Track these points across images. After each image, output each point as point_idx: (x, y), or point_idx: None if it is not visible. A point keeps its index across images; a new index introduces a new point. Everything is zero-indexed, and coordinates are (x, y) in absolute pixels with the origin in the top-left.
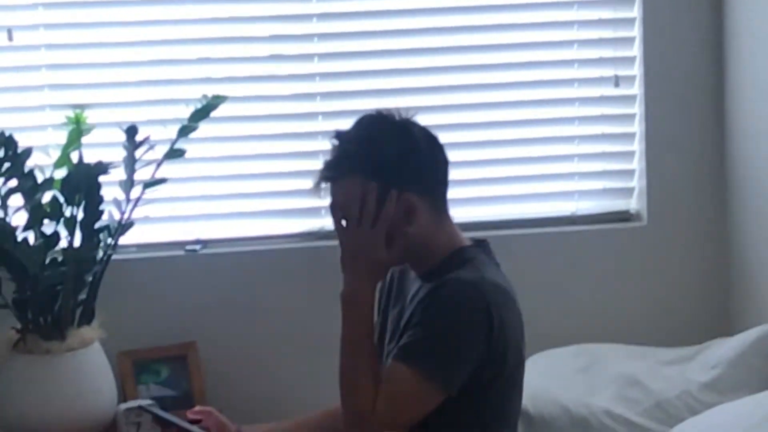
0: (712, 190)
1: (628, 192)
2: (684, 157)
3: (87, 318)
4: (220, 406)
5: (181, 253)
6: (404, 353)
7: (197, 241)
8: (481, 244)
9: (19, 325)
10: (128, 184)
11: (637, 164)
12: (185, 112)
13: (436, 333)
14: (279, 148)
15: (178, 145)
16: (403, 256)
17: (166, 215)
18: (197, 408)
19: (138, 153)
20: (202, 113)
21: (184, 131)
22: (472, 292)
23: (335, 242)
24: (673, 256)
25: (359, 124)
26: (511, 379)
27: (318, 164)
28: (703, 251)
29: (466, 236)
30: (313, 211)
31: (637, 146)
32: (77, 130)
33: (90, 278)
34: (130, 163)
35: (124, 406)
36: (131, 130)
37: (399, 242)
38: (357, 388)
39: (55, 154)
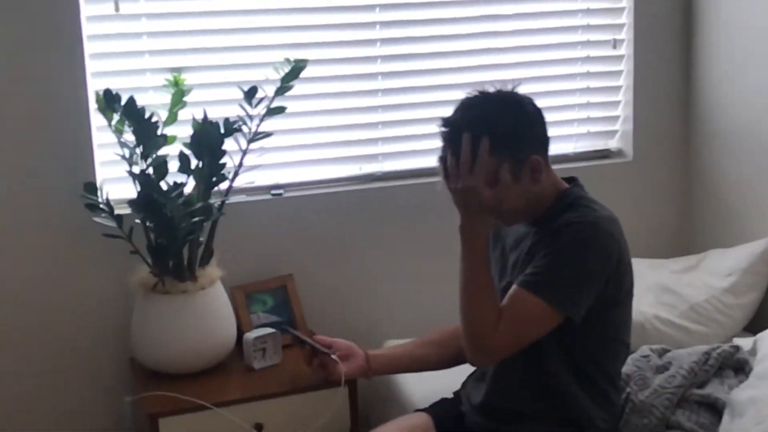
0: (683, 132)
1: (612, 134)
2: (661, 106)
3: (207, 259)
4: (318, 329)
5: (268, 196)
6: (531, 282)
7: (277, 186)
8: (574, 181)
9: (148, 270)
10: (247, 138)
11: (621, 111)
12: (271, 74)
13: (563, 266)
14: (345, 104)
15: (275, 104)
16: (523, 209)
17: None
18: (323, 338)
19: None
20: (292, 74)
21: (280, 91)
22: (595, 229)
23: (391, 183)
24: (653, 187)
25: (469, 106)
26: (626, 300)
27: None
28: (675, 182)
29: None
30: (371, 158)
31: (622, 97)
32: (180, 92)
33: (209, 223)
34: (248, 120)
35: (253, 334)
36: (251, 91)
37: (516, 194)
38: (480, 314)
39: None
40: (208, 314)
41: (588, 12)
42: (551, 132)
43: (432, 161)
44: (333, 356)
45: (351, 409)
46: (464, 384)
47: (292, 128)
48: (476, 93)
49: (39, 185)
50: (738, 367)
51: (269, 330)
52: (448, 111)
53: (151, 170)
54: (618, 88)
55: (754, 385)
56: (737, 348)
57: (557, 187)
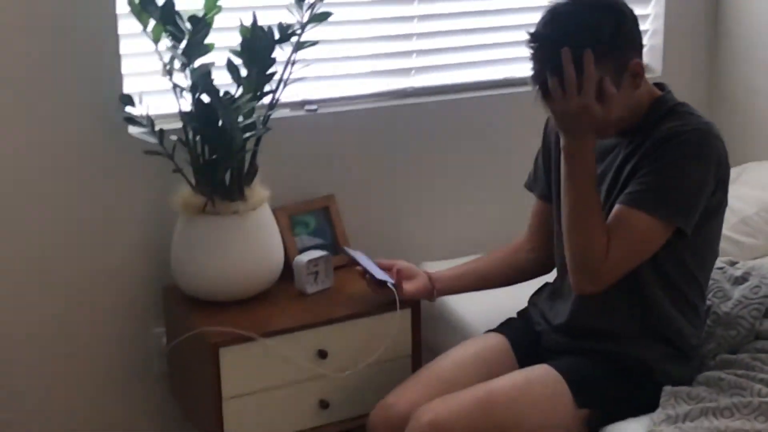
0: (713, 46)
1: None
2: (690, 20)
3: (251, 177)
4: (363, 250)
5: (302, 112)
6: (641, 200)
7: (310, 101)
8: (667, 89)
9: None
10: (296, 47)
11: (651, 25)
12: None
13: (674, 178)
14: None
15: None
16: (626, 119)
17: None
18: (384, 260)
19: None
20: None
21: None
22: (706, 137)
23: (426, 99)
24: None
25: (561, 15)
26: (724, 209)
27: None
28: (704, 97)
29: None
30: (403, 72)
31: (651, 10)
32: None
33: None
34: (301, 28)
35: (305, 257)
36: None
37: (621, 103)
38: (590, 239)
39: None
40: (259, 236)
41: None
42: None
43: (466, 75)
44: (390, 284)
45: (413, 332)
46: (532, 302)
47: (326, 39)
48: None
49: (63, 99)
50: None
51: (321, 252)
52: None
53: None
54: (648, 0)
55: None
56: None
57: (652, 93)
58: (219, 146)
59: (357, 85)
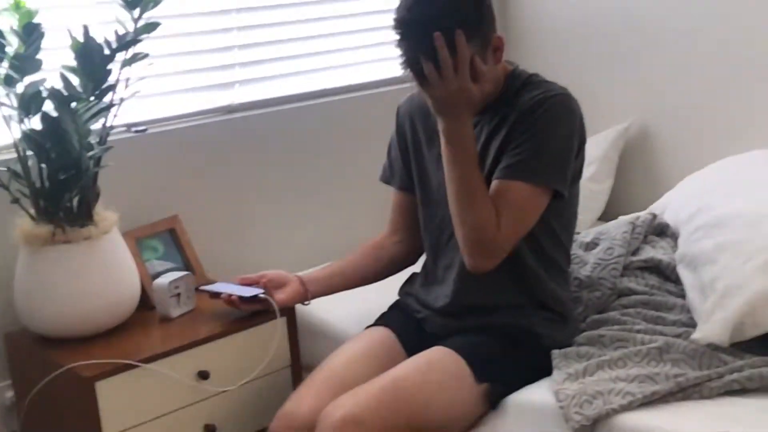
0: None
1: None
2: None
3: (95, 201)
4: (214, 271)
5: (131, 135)
6: (519, 170)
7: (135, 124)
8: (513, 63)
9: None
10: (128, 61)
11: None
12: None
13: (546, 144)
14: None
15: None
16: (490, 91)
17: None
18: (251, 275)
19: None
20: None
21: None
22: (568, 102)
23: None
24: None
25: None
26: (580, 176)
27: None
28: None
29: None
30: (226, 86)
31: None
32: (27, 13)
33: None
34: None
35: (165, 279)
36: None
37: (488, 79)
38: (480, 215)
39: None
40: (115, 261)
41: None
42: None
43: (290, 86)
44: (261, 295)
45: (291, 341)
46: (406, 293)
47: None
48: None
49: None
50: (660, 231)
51: (181, 272)
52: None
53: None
54: None
55: (712, 234)
56: (654, 215)
57: (505, 68)
58: (68, 167)
59: (184, 101)
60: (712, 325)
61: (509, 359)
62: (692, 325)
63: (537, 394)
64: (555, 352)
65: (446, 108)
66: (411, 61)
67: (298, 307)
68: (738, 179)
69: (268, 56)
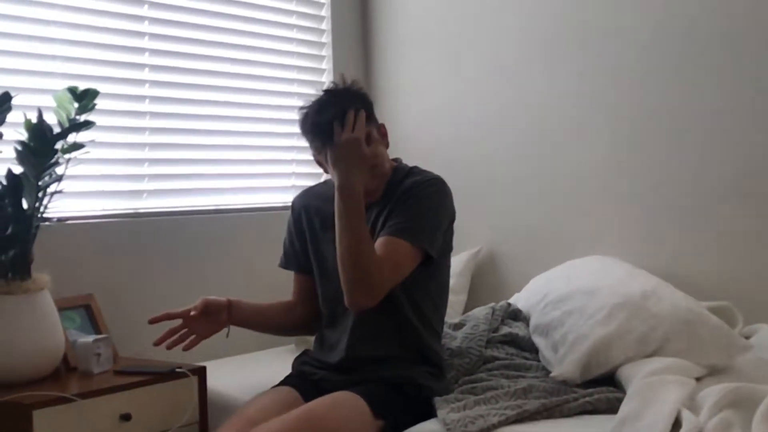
0: None
1: None
2: None
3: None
4: (127, 349)
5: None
6: (398, 230)
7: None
8: (398, 159)
9: None
10: (68, 149)
11: None
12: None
13: (423, 214)
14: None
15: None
16: (386, 174)
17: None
18: (174, 311)
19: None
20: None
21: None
22: (443, 185)
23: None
24: None
25: (333, 100)
26: (450, 253)
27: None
28: None
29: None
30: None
31: None
32: None
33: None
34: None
35: (89, 338)
36: (83, 93)
37: (381, 155)
38: (366, 257)
39: None
40: (46, 317)
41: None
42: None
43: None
44: (177, 370)
45: (200, 399)
46: (302, 361)
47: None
48: (327, 91)
49: None
50: (514, 316)
51: (102, 335)
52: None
53: None
54: None
55: (558, 307)
56: (509, 303)
57: (391, 163)
58: (19, 220)
59: (101, 203)
60: (566, 365)
61: (399, 401)
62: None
63: (427, 426)
64: (436, 399)
65: (342, 156)
66: (318, 154)
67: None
68: (576, 272)
69: (175, 172)
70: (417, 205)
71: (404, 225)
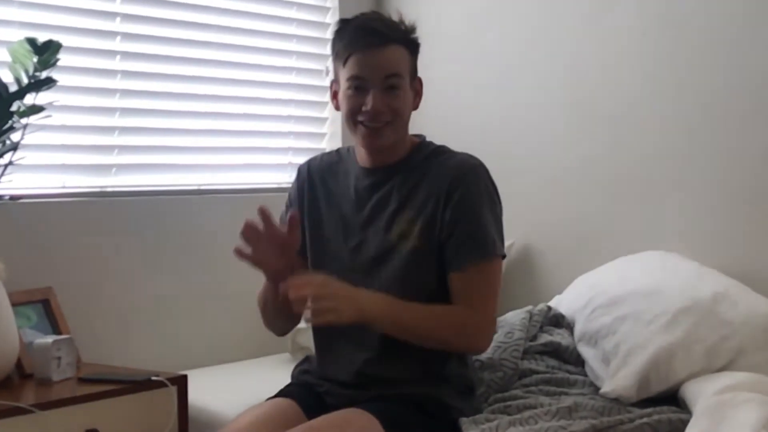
0: None
1: None
2: None
3: None
4: (92, 355)
5: (5, 201)
6: (475, 251)
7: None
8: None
9: None
10: (25, 112)
11: (327, 143)
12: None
13: (488, 218)
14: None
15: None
16: (402, 129)
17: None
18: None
19: None
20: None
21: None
22: (482, 168)
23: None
24: None
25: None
26: None
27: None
28: None
29: None
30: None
31: (327, 129)
32: None
33: None
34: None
35: (48, 339)
36: (44, 46)
37: (407, 112)
38: (451, 326)
39: None
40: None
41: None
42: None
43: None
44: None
45: (179, 411)
46: (303, 371)
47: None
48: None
49: None
50: (556, 322)
51: (63, 336)
52: None
53: None
54: (324, 119)
55: (609, 312)
56: (550, 307)
57: (412, 137)
58: None
59: (62, 178)
60: (619, 380)
61: (418, 423)
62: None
63: None
64: (462, 420)
65: (330, 300)
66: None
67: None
68: (630, 270)
69: (148, 143)
70: (475, 206)
71: (476, 241)
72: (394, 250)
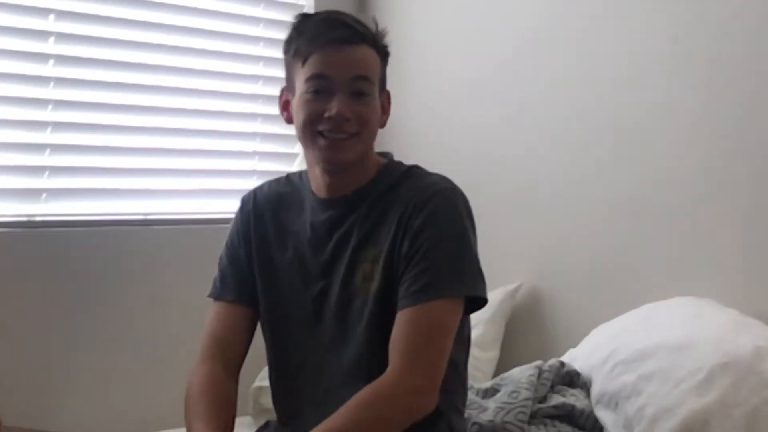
0: None
1: None
2: None
3: None
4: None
5: None
6: (425, 289)
7: None
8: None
9: None
10: None
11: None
12: None
13: (450, 250)
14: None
15: None
16: (367, 148)
17: None
18: None
19: None
20: None
21: None
22: (460, 195)
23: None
24: None
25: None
26: None
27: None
28: None
29: None
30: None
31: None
32: None
33: None
34: None
35: None
36: None
37: (375, 127)
38: (378, 417)
39: None
40: None
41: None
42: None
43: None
44: None
45: None
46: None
47: None
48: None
49: None
50: (569, 381)
51: None
52: None
53: None
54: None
55: (633, 369)
56: (563, 363)
57: (378, 158)
58: None
59: None
60: None
61: None
62: None
63: None
64: None
65: None
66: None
67: None
68: (658, 319)
69: (85, 164)
70: (434, 242)
71: (433, 276)
72: (358, 295)
